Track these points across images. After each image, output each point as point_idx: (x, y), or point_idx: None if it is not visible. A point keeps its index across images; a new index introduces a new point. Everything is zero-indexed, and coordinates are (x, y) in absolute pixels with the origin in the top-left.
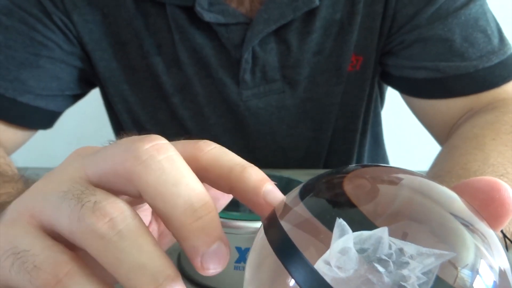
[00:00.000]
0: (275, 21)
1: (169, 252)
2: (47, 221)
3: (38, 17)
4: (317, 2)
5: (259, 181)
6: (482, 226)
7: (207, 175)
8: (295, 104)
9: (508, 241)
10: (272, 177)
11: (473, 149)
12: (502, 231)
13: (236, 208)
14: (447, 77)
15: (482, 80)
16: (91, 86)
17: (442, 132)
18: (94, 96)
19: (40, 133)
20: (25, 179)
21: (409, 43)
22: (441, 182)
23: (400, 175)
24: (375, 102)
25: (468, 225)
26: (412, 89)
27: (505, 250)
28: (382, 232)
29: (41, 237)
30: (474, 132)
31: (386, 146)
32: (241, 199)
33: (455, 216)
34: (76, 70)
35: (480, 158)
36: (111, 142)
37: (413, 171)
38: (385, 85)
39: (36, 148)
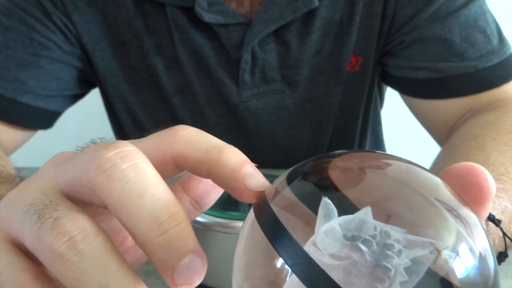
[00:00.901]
0: (274, 22)
1: None
2: (14, 234)
3: (38, 17)
4: (316, 3)
5: (238, 164)
6: (465, 211)
7: (185, 161)
8: (295, 104)
9: (508, 240)
10: (271, 177)
11: (473, 149)
12: (502, 230)
13: (236, 208)
14: (446, 77)
15: (482, 80)
16: (91, 86)
17: (442, 133)
18: (94, 96)
19: (40, 133)
20: (16, 182)
21: (409, 44)
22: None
23: (387, 161)
24: (375, 102)
25: (451, 210)
26: (411, 90)
27: (487, 236)
28: (365, 213)
29: (7, 252)
30: (474, 132)
31: (386, 146)
32: (220, 184)
33: (439, 201)
34: (76, 70)
35: (481, 158)
36: (78, 149)
37: (400, 157)
38: (384, 85)
39: (35, 148)
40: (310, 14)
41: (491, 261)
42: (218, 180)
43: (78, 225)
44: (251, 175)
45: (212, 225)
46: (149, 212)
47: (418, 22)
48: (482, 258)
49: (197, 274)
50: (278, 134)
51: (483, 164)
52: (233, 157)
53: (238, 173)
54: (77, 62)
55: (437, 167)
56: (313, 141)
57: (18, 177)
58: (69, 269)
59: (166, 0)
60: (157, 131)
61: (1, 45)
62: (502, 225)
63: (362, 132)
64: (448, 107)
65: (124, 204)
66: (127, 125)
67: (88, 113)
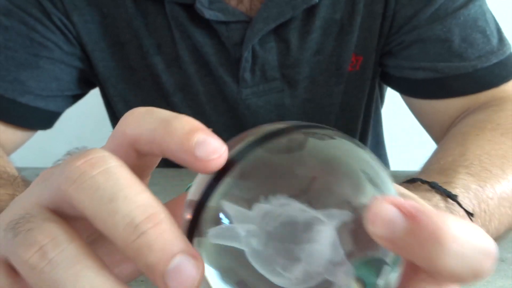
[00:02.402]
0: (274, 20)
1: None
2: (2, 253)
3: (38, 17)
4: None
5: (187, 134)
6: (385, 181)
7: (140, 145)
8: (295, 104)
9: (502, 233)
10: None
11: (455, 144)
12: (457, 202)
13: None
14: (446, 77)
15: (481, 80)
16: (90, 86)
17: (440, 133)
18: (94, 96)
19: (40, 133)
20: (17, 183)
21: (409, 44)
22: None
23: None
24: (376, 102)
25: (370, 178)
26: (411, 90)
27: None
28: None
29: None
30: (462, 130)
31: (386, 146)
32: (175, 160)
33: (362, 171)
34: (75, 71)
35: (458, 153)
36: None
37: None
38: (384, 85)
39: (35, 148)
40: (310, 13)
41: None
42: (171, 156)
43: (48, 233)
44: (202, 144)
45: None
46: (123, 216)
47: (417, 22)
48: None
49: (191, 278)
50: None
51: (458, 157)
52: (181, 128)
53: (188, 144)
54: (77, 62)
55: (428, 166)
56: None
57: (20, 177)
58: (43, 279)
59: None
60: None
61: (0, 45)
62: (460, 199)
63: (363, 132)
64: (448, 107)
65: (97, 211)
66: None
67: (88, 113)
